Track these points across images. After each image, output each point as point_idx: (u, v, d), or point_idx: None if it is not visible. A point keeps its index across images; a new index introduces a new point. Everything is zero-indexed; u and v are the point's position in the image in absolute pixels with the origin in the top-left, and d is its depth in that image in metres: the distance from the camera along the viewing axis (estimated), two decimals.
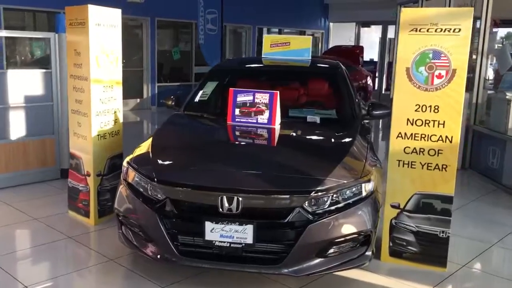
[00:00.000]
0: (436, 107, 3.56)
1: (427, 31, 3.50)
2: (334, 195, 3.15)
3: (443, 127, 3.57)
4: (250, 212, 3.06)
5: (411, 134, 3.64)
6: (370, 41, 18.78)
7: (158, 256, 3.22)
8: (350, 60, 12.52)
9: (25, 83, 5.51)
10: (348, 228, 3.16)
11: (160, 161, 3.41)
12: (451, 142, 3.56)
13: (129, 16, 12.19)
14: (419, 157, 3.65)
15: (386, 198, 3.78)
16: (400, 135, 3.68)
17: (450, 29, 3.45)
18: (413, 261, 3.76)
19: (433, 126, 3.59)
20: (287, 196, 3.08)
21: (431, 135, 3.60)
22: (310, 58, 5.14)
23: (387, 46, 16.59)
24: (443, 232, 3.68)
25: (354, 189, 3.23)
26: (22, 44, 11.09)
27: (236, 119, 3.99)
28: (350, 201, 3.19)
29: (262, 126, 3.93)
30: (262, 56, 5.22)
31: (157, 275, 3.42)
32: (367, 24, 18.72)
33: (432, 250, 3.71)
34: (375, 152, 4.16)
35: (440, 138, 3.58)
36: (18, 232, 4.26)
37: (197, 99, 4.67)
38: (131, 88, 12.53)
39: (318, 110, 4.45)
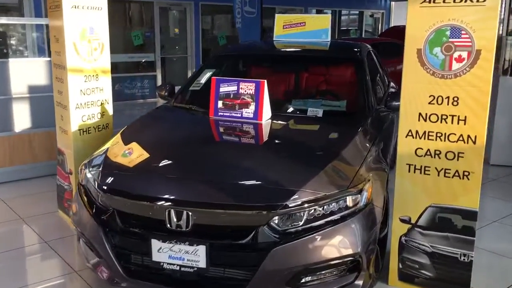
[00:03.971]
0: (455, 99, 2.81)
1: (444, 1, 2.75)
2: (310, 211, 2.53)
3: (464, 124, 2.81)
4: (203, 229, 2.52)
5: (424, 133, 2.92)
6: None
7: (105, 276, 2.76)
8: None
9: (28, 72, 5.25)
10: (328, 252, 2.53)
11: (111, 165, 2.93)
12: (474, 143, 2.81)
13: (172, 1, 11.90)
14: (434, 161, 2.92)
15: (394, 210, 3.10)
16: (410, 134, 2.96)
17: None
18: None
19: (452, 122, 2.84)
20: (247, 212, 2.50)
21: (449, 134, 2.86)
22: (328, 40, 4.47)
23: None
24: (464, 255, 2.94)
25: (338, 202, 2.58)
26: None
27: (219, 113, 3.44)
28: (332, 217, 2.56)
29: (247, 121, 3.34)
30: (274, 39, 4.61)
31: None
32: None
33: (451, 276, 3.00)
34: (389, 151, 3.47)
35: (461, 138, 2.84)
36: None
37: (190, 89, 4.15)
38: (175, 75, 12.28)
39: (326, 101, 3.79)
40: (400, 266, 3.13)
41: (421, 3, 2.80)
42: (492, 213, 4.45)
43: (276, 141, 3.20)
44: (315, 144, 3.07)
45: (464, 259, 2.95)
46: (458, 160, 2.87)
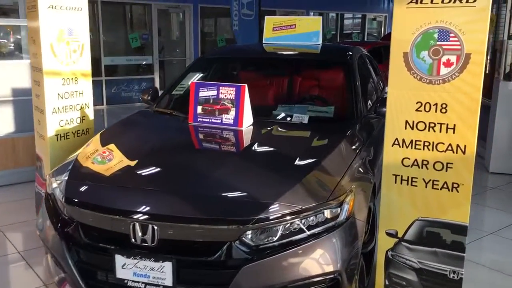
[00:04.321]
0: (444, 106, 2.63)
1: (431, 2, 2.58)
2: (286, 225, 2.35)
3: (453, 132, 2.63)
4: (170, 245, 2.35)
5: (411, 142, 2.74)
6: None
7: None
8: None
9: (11, 74, 5.12)
10: (305, 269, 2.35)
11: (77, 174, 2.76)
12: (464, 153, 2.62)
13: (171, 3, 11.77)
14: (422, 172, 2.74)
15: (380, 223, 2.92)
16: (396, 142, 2.78)
17: None
18: None
19: (440, 131, 2.66)
20: (216, 226, 2.33)
21: (437, 143, 2.68)
22: (319, 43, 4.30)
23: None
24: (454, 272, 2.76)
25: (316, 216, 2.41)
26: None
27: (198, 119, 3.27)
28: (309, 232, 2.38)
29: (226, 128, 3.17)
30: (263, 42, 4.45)
31: None
32: None
33: None
34: (378, 159, 3.29)
35: (449, 147, 2.65)
36: None
37: (173, 93, 3.98)
38: (173, 78, 12.16)
39: (312, 107, 3.62)
40: (387, 283, 2.95)
41: (407, 3, 2.63)
42: (490, 224, 4.27)
43: (255, 150, 3.02)
44: (296, 152, 2.89)
45: (453, 276, 2.77)
46: (446, 171, 2.68)
